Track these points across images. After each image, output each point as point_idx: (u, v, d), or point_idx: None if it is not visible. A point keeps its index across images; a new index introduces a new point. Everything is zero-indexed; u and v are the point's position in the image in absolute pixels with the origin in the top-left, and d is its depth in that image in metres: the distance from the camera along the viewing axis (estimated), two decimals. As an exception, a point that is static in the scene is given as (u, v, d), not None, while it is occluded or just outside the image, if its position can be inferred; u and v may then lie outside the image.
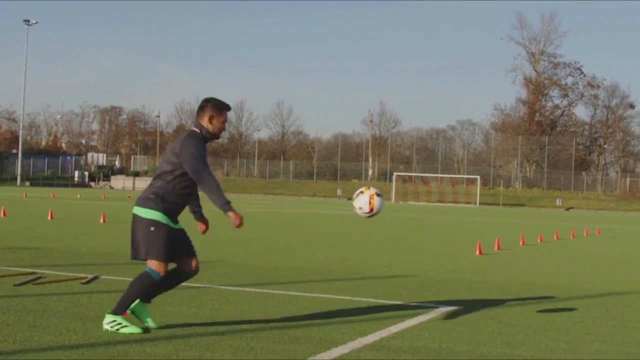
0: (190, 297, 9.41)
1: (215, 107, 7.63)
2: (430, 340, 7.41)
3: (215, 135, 7.69)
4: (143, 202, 7.40)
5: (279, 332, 7.44)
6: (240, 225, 7.24)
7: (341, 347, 6.89)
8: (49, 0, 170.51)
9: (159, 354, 6.34)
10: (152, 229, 7.28)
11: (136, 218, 7.40)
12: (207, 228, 7.95)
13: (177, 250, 7.46)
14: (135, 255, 7.38)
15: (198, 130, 7.58)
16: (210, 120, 7.59)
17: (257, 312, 8.55)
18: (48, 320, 7.57)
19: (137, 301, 7.44)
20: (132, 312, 7.45)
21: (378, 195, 8.83)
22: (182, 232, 7.56)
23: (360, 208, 8.81)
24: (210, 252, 15.26)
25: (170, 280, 7.61)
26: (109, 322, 7.24)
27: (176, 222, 7.50)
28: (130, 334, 7.14)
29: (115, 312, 7.27)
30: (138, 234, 7.34)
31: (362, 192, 8.89)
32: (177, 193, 7.43)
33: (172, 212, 7.42)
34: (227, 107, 7.70)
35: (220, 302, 9.22)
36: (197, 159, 7.31)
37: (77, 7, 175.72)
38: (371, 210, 8.78)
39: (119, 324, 7.23)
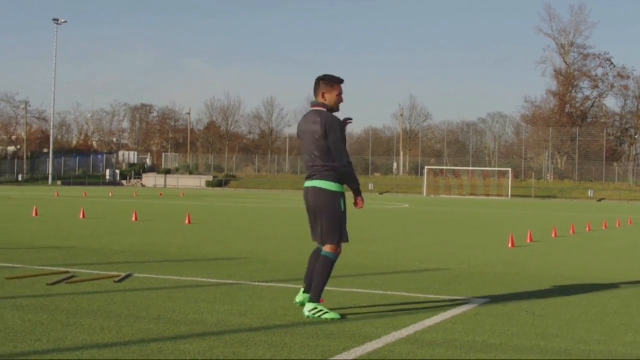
0: (223, 294, 9.43)
1: (326, 82, 8.02)
2: (464, 333, 7.39)
3: (333, 109, 8.06)
4: (323, 176, 7.97)
5: (313, 328, 7.44)
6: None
7: (375, 341, 6.87)
8: None
9: (193, 351, 6.35)
10: (342, 208, 7.96)
11: (319, 191, 8.02)
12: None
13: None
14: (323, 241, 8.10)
15: (324, 109, 8.01)
16: (323, 96, 8.01)
17: (290, 308, 8.55)
18: (82, 319, 7.59)
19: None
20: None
21: None
22: None
23: None
24: (243, 248, 15.31)
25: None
26: (310, 309, 7.83)
27: None
28: (332, 319, 7.73)
29: (313, 300, 7.86)
30: (325, 217, 8.02)
31: None
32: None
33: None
34: (338, 80, 8.07)
35: (254, 298, 9.23)
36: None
37: (106, 5, 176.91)
38: None
39: (320, 310, 7.83)
